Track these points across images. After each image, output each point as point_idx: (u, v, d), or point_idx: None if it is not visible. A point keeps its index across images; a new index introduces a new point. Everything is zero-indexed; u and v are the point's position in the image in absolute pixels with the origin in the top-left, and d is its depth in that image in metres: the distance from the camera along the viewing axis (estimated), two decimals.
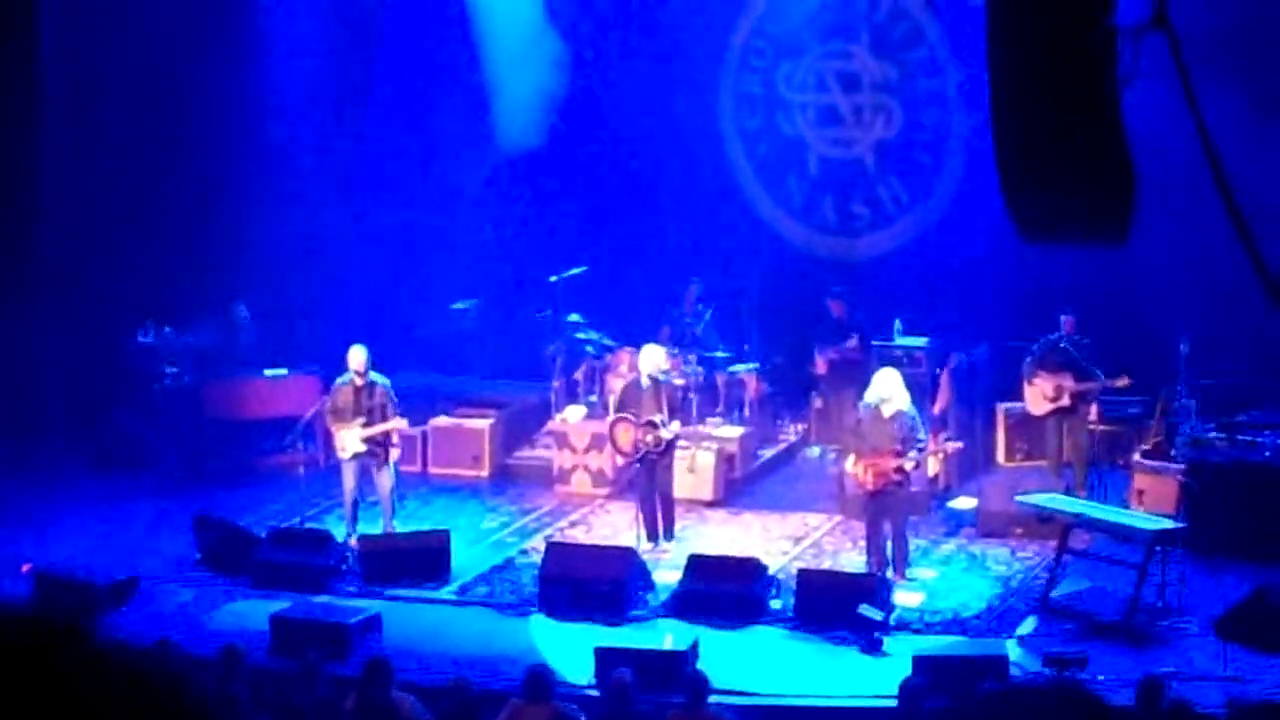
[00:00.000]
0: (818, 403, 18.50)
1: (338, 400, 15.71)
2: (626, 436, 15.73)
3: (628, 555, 14.64)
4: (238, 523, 15.72)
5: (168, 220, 18.47)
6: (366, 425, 15.55)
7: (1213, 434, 15.87)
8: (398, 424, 15.77)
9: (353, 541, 15.42)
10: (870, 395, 14.79)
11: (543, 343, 19.04)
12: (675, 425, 15.55)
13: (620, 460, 16.37)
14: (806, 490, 17.56)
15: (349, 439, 15.57)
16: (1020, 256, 15.85)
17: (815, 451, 18.41)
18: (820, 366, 18.06)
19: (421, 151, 20.28)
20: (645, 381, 15.72)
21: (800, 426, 18.76)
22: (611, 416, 16.17)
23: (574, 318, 18.82)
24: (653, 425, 15.48)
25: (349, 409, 15.61)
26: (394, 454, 15.79)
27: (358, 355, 15.66)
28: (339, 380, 15.84)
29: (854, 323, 17.94)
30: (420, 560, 14.97)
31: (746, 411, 18.41)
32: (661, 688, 11.66)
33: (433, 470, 18.26)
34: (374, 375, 15.71)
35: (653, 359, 15.86)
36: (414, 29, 20.24)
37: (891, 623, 13.47)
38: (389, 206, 20.31)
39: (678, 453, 16.16)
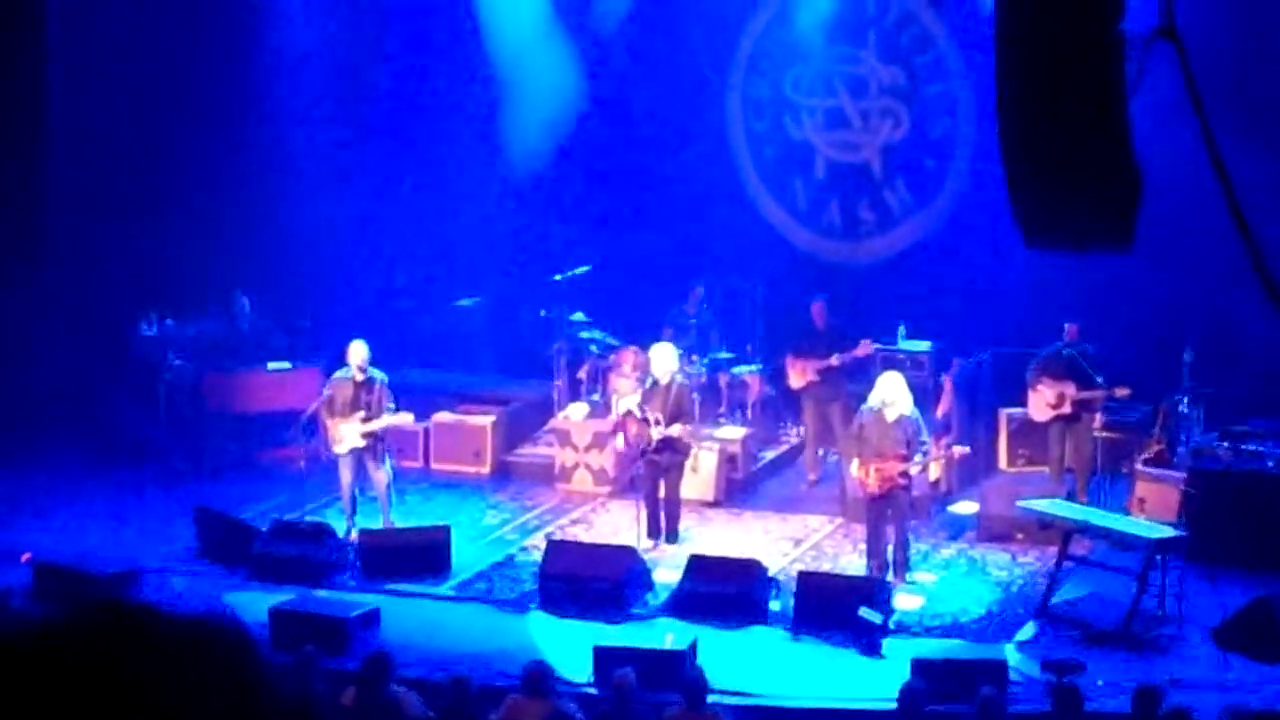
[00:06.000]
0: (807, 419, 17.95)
1: (336, 395, 15.70)
2: (631, 430, 15.77)
3: (628, 554, 14.64)
4: (238, 515, 15.74)
5: (171, 212, 18.45)
6: (365, 420, 15.55)
7: (1215, 443, 15.86)
8: (404, 419, 15.78)
9: (353, 536, 15.44)
10: (873, 399, 14.76)
11: (546, 341, 19.03)
12: (675, 429, 15.50)
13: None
14: (808, 492, 17.57)
15: (347, 433, 15.56)
16: (1025, 263, 15.85)
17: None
18: (795, 379, 17.70)
19: (426, 147, 20.28)
20: (652, 381, 15.71)
21: (800, 430, 18.66)
22: (622, 409, 16.14)
23: (578, 316, 18.83)
24: (646, 423, 15.48)
25: (348, 404, 15.60)
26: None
27: (358, 350, 15.65)
28: (337, 374, 15.81)
29: (832, 331, 17.56)
30: (420, 555, 14.99)
31: (749, 413, 18.40)
32: (660, 687, 11.66)
33: (434, 466, 18.28)
34: (373, 370, 15.71)
35: (663, 360, 15.84)
36: (421, 27, 20.25)
37: (891, 626, 13.47)
38: (393, 201, 20.31)
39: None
